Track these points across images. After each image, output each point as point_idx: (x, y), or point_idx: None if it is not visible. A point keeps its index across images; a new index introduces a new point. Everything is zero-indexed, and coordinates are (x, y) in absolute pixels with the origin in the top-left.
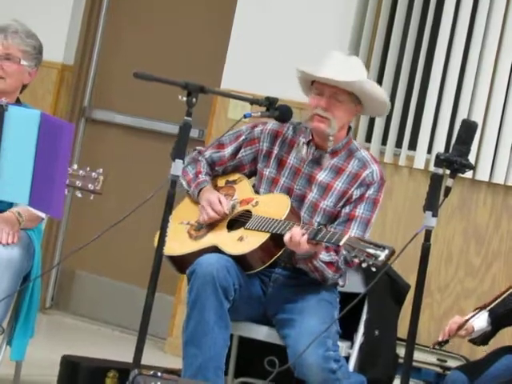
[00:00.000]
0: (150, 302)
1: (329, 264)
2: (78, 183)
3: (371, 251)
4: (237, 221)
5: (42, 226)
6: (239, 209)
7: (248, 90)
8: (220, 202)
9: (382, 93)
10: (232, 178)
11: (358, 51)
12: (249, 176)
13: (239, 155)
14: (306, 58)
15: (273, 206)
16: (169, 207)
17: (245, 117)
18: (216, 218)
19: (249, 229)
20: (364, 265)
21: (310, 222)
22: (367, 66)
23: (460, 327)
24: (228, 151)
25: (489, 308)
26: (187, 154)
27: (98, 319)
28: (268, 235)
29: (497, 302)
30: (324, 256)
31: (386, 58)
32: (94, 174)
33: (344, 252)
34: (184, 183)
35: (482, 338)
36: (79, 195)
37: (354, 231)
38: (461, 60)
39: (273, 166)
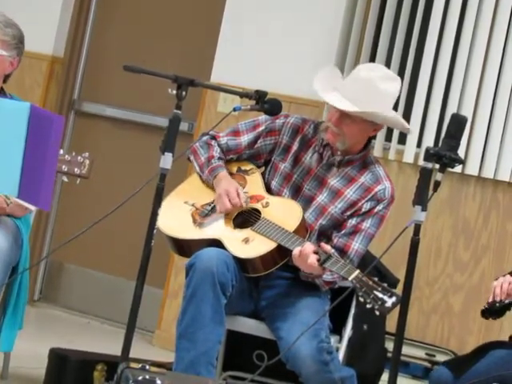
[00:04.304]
0: (138, 295)
1: (328, 283)
2: (65, 168)
3: (379, 295)
4: (243, 216)
5: (31, 218)
6: (248, 205)
7: (238, 84)
8: (238, 194)
9: (396, 121)
10: (244, 167)
11: (348, 48)
12: (262, 165)
13: (257, 145)
14: (296, 52)
15: (284, 212)
16: (158, 201)
17: (234, 110)
18: (232, 210)
19: (256, 231)
20: (368, 306)
21: (313, 223)
22: (355, 64)
23: None
24: (245, 139)
25: None
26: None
27: (86, 312)
28: (275, 245)
29: None
30: (327, 276)
31: (376, 52)
32: (79, 158)
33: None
34: (196, 166)
35: (497, 310)
36: (65, 180)
37: (357, 244)
38: (450, 54)
39: (289, 162)
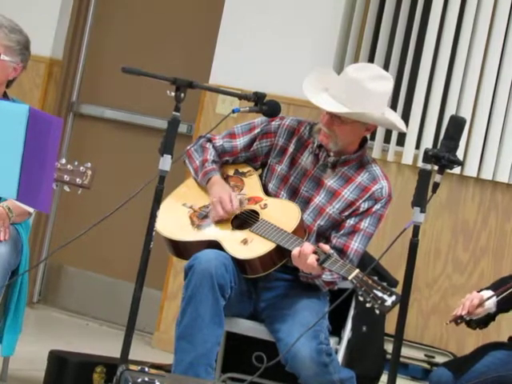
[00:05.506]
0: (137, 297)
1: (328, 283)
2: (66, 177)
3: (378, 294)
4: (242, 218)
5: (30, 220)
6: (246, 206)
7: (236, 86)
8: (231, 200)
9: (385, 121)
10: (242, 169)
11: (346, 49)
12: (259, 167)
13: (254, 147)
14: (295, 53)
15: (282, 214)
16: (157, 203)
17: (233, 112)
18: (225, 217)
19: (254, 232)
20: (368, 305)
21: (311, 224)
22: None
23: (480, 304)
24: (240, 142)
25: (501, 297)
26: (185, 149)
27: (85, 314)
28: (274, 246)
29: (509, 291)
30: (326, 276)
31: (375, 52)
32: (82, 168)
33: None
34: (191, 170)
35: (482, 321)
36: (67, 189)
37: (356, 244)
38: (449, 56)
39: (285, 164)
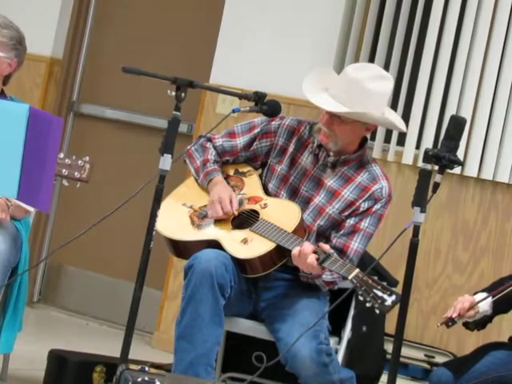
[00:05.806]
0: (137, 296)
1: (328, 283)
2: (65, 172)
3: (378, 293)
4: (242, 218)
5: (30, 219)
6: (246, 206)
7: (236, 85)
8: (231, 201)
9: (385, 121)
10: (242, 169)
11: (346, 49)
12: (259, 167)
13: (253, 147)
14: (295, 53)
15: (282, 213)
16: (157, 202)
17: (233, 112)
18: (224, 218)
19: (254, 232)
20: (368, 304)
21: (311, 224)
22: None
23: (471, 307)
24: (240, 141)
25: (496, 298)
26: (187, 147)
27: (85, 313)
28: (274, 246)
29: (505, 292)
30: (326, 276)
31: (375, 53)
32: (80, 162)
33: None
34: (192, 170)
35: (479, 322)
36: (66, 183)
37: (356, 244)
38: (449, 58)
39: (285, 164)
